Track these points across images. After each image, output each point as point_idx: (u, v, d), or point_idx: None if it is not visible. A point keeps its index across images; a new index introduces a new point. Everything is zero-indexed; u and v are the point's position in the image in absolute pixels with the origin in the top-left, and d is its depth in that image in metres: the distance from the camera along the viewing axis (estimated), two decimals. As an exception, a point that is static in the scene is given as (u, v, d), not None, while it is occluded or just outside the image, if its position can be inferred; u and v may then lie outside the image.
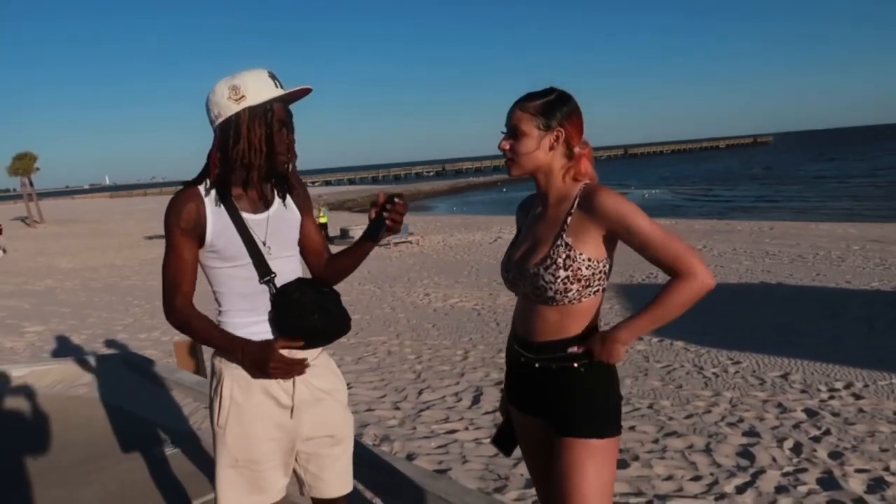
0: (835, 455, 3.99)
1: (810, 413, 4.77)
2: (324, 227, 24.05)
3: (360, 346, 7.66)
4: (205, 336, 1.72)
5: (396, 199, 1.74)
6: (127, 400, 4.47)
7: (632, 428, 4.56)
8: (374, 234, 1.78)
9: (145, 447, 3.61)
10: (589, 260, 1.65)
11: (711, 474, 3.77)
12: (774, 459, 3.96)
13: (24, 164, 41.04)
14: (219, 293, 1.76)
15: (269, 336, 1.74)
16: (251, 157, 1.69)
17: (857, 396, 5.10)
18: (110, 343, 8.30)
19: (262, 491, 1.76)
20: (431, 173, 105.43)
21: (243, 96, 1.67)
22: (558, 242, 1.66)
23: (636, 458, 4.00)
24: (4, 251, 23.26)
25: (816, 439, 4.26)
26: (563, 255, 1.65)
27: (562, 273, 1.65)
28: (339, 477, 1.88)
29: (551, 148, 1.70)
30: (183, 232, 1.68)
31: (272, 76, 1.71)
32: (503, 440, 2.02)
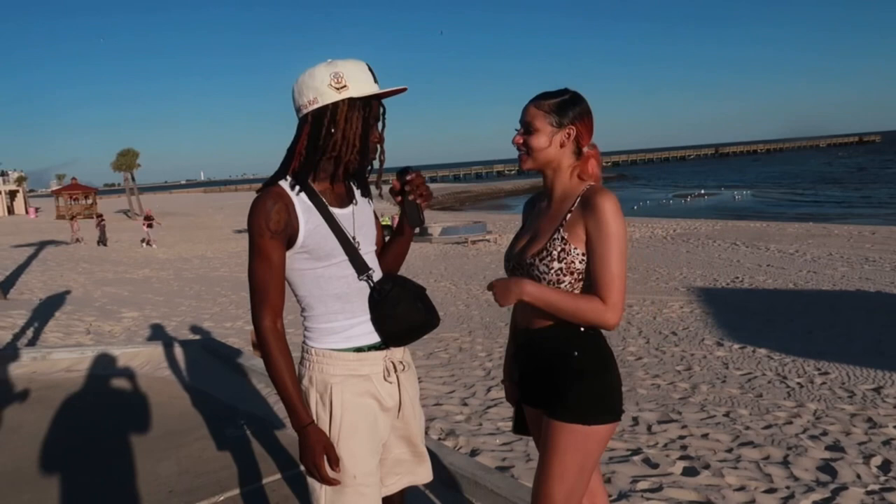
0: (928, 476, 3.71)
1: (904, 430, 4.45)
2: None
3: (432, 342, 7.73)
4: (279, 379, 1.58)
5: (409, 176, 1.71)
6: (206, 383, 4.72)
7: (705, 436, 4.40)
8: (413, 219, 1.74)
9: (220, 427, 3.80)
10: (583, 255, 1.71)
11: (787, 487, 3.58)
12: (859, 476, 3.72)
13: (126, 160, 43.87)
14: (309, 297, 1.66)
15: (373, 337, 1.66)
16: (343, 151, 1.60)
17: (959, 415, 4.71)
18: (197, 330, 8.74)
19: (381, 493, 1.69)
20: (513, 172, 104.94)
21: (345, 86, 1.58)
22: (555, 236, 1.74)
23: (707, 467, 3.85)
24: (147, 243, 24.26)
25: (909, 458, 3.97)
26: (559, 248, 1.72)
27: (555, 265, 1.72)
28: (410, 470, 1.81)
29: (562, 145, 1.77)
30: (273, 235, 1.56)
31: (371, 70, 1.64)
32: (522, 425, 2.04)
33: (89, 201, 45.79)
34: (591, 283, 1.70)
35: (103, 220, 26.83)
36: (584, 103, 1.78)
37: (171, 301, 11.66)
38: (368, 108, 1.61)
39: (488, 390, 5.68)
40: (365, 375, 1.66)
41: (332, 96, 1.58)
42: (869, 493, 3.50)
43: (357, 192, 1.74)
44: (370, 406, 1.66)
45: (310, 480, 1.65)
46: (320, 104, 1.58)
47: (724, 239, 17.99)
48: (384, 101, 1.67)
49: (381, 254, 1.82)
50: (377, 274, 1.70)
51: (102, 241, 25.63)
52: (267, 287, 1.58)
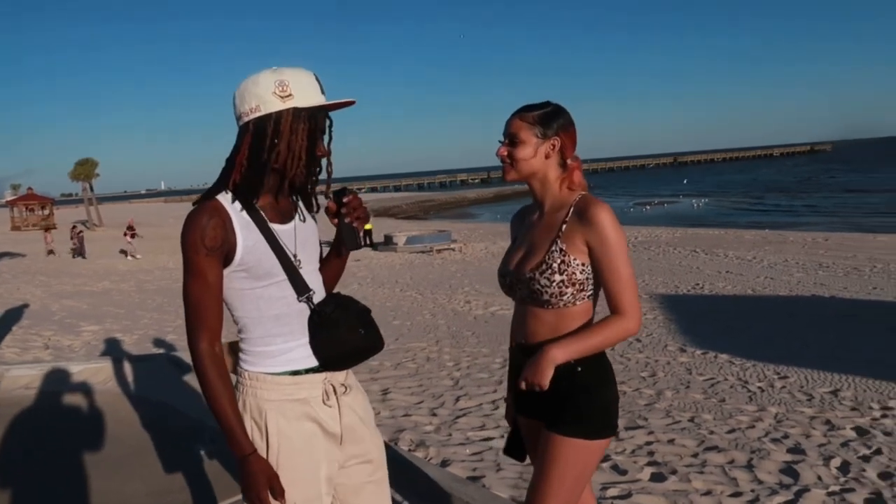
0: (885, 476, 3.84)
1: (860, 431, 4.60)
2: (368, 233, 24.34)
3: (399, 352, 7.72)
4: (218, 406, 1.49)
5: (345, 198, 1.62)
6: (171, 398, 4.63)
7: (671, 441, 4.48)
8: (351, 243, 1.65)
9: (187, 443, 3.73)
10: (583, 265, 1.73)
11: (752, 490, 3.68)
12: (820, 478, 3.83)
13: (85, 169, 42.84)
14: (246, 318, 1.57)
15: (312, 360, 1.58)
16: (289, 164, 1.52)
17: (912, 415, 4.90)
18: (160, 343, 8.57)
19: None
20: (476, 181, 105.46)
21: (290, 94, 1.50)
22: (553, 248, 1.74)
23: (674, 472, 3.92)
24: (130, 256, 23.31)
25: (866, 458, 4.10)
26: (558, 260, 1.72)
27: (557, 277, 1.72)
28: (377, 499, 1.72)
29: (547, 156, 1.79)
30: (209, 252, 1.47)
31: (318, 80, 1.56)
32: (514, 448, 2.04)
33: (46, 212, 44.52)
34: (608, 300, 1.73)
35: (81, 231, 25.60)
36: (567, 115, 1.81)
37: (133, 314, 11.40)
38: (314, 120, 1.53)
39: (457, 400, 5.69)
40: (302, 399, 1.57)
41: (275, 105, 1.50)
42: (830, 494, 3.62)
43: (301, 207, 1.67)
44: (309, 430, 1.57)
45: None
46: (263, 112, 1.50)
47: (684, 246, 18.37)
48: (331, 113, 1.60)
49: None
50: (319, 294, 1.62)
51: (80, 252, 24.32)
52: (203, 307, 1.50)
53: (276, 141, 1.51)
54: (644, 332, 8.35)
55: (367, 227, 25.09)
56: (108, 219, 43.76)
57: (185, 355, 5.85)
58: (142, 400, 4.66)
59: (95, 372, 5.29)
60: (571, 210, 1.75)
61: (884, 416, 4.92)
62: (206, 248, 1.48)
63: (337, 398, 1.63)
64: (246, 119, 1.53)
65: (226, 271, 1.53)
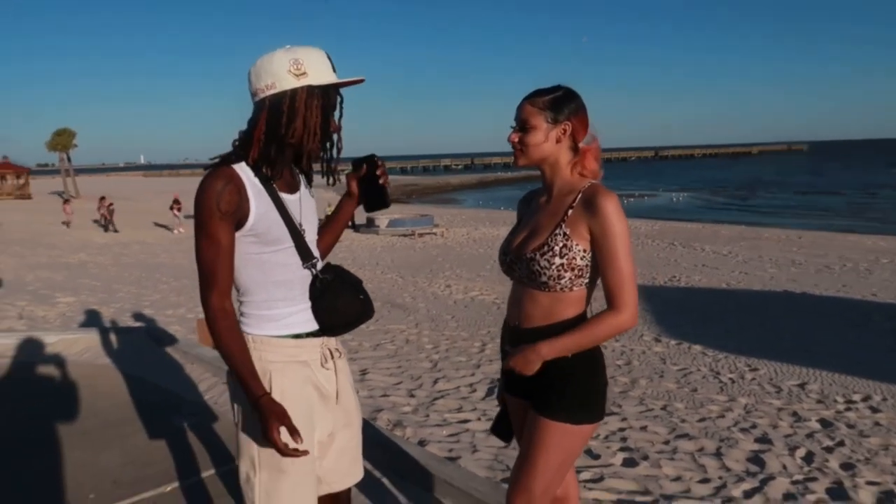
0: (847, 466, 3.97)
1: (825, 423, 4.74)
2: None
3: (378, 333, 7.75)
4: (231, 354, 1.55)
5: (378, 160, 1.79)
6: (149, 371, 4.61)
7: (644, 428, 4.58)
8: (385, 200, 1.81)
9: (165, 416, 3.74)
10: (584, 251, 1.72)
11: (720, 478, 3.78)
12: (785, 467, 3.95)
13: (62, 140, 41.98)
14: (250, 282, 1.63)
15: (312, 325, 1.67)
16: (305, 139, 1.59)
17: (875, 409, 5.05)
18: (137, 317, 8.51)
19: (317, 483, 1.69)
20: (460, 166, 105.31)
21: (305, 73, 1.55)
22: (557, 231, 1.73)
23: (646, 458, 4.02)
24: (175, 230, 22.62)
25: (829, 450, 4.24)
26: (560, 244, 1.72)
27: (557, 260, 1.72)
28: (353, 464, 1.82)
29: (558, 141, 1.77)
30: (223, 216, 1.52)
31: (329, 59, 1.62)
32: (501, 428, 2.07)
33: (21, 181, 43.64)
34: (606, 293, 1.71)
35: (112, 204, 23.96)
36: (578, 99, 1.79)
37: (109, 287, 11.28)
38: (327, 97, 1.59)
39: (435, 382, 5.75)
40: (304, 362, 1.66)
41: (290, 82, 1.55)
42: (794, 482, 3.73)
43: (303, 180, 1.74)
44: (309, 396, 1.66)
45: (243, 470, 1.64)
46: (278, 90, 1.56)
47: (663, 239, 18.59)
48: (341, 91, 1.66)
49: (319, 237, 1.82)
50: (319, 263, 1.71)
51: (110, 225, 22.91)
52: (215, 269, 1.54)
53: (293, 117, 1.56)
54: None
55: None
56: (84, 190, 43.01)
57: (164, 328, 5.83)
58: (119, 372, 4.64)
59: (71, 343, 5.25)
60: (579, 196, 1.74)
61: (847, 409, 5.07)
62: (220, 212, 1.52)
63: (333, 361, 1.73)
64: (262, 95, 1.58)
65: (237, 235, 1.58)
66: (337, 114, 1.66)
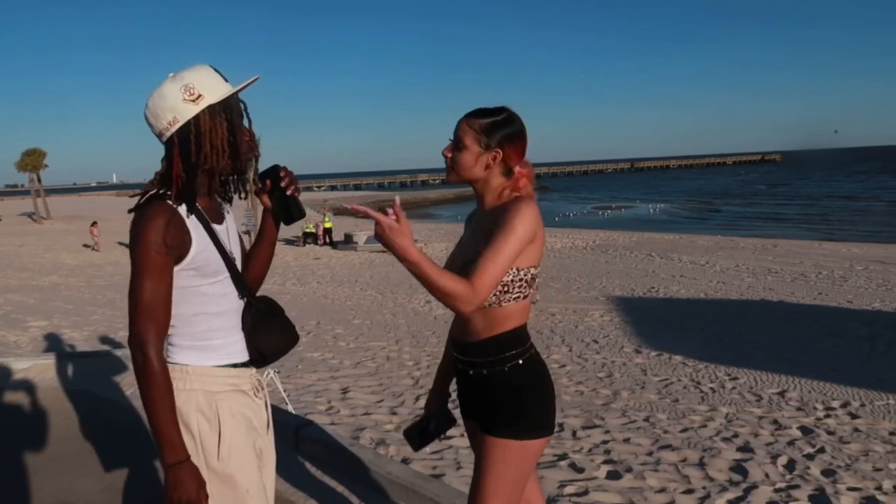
0: (828, 473, 4.01)
1: (805, 431, 4.79)
2: (328, 231, 24.11)
3: (359, 351, 7.69)
4: (166, 412, 1.46)
5: (281, 171, 1.65)
6: (125, 395, 4.52)
7: (626, 440, 4.59)
8: (297, 212, 1.67)
9: (141, 440, 3.65)
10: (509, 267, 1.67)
11: (704, 488, 3.79)
12: (767, 475, 3.97)
13: (33, 160, 41.29)
14: (190, 314, 1.58)
15: (244, 355, 1.63)
16: (215, 161, 1.55)
17: (854, 416, 5.11)
18: (111, 340, 8.35)
19: None
20: (437, 182, 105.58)
21: (200, 95, 1.52)
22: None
23: (629, 470, 4.02)
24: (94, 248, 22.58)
25: (810, 457, 4.27)
26: None
27: None
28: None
29: (487, 167, 1.75)
30: (169, 250, 1.48)
31: (217, 70, 1.58)
32: (414, 433, 2.06)
33: (-11, 202, 42.86)
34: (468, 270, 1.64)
35: (95, 224, 24.62)
36: (515, 125, 1.76)
37: (83, 310, 11.08)
38: (229, 110, 1.56)
39: (417, 399, 5.71)
40: (244, 391, 1.64)
41: (191, 110, 1.52)
42: (777, 490, 3.75)
43: (226, 208, 1.71)
44: (247, 423, 1.63)
45: None
46: (182, 122, 1.52)
47: (640, 250, 18.75)
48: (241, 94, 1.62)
49: (245, 264, 1.76)
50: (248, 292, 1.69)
51: (95, 248, 23.44)
52: (157, 307, 1.48)
53: (201, 143, 1.53)
54: (601, 333, 8.50)
55: (328, 224, 24.69)
56: (55, 211, 42.34)
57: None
58: (92, 397, 4.54)
59: (44, 369, 5.13)
60: (503, 211, 1.70)
61: (827, 416, 5.13)
62: (166, 247, 1.48)
63: (264, 392, 1.73)
64: (168, 134, 1.54)
65: (175, 269, 1.53)
66: (245, 121, 1.62)
